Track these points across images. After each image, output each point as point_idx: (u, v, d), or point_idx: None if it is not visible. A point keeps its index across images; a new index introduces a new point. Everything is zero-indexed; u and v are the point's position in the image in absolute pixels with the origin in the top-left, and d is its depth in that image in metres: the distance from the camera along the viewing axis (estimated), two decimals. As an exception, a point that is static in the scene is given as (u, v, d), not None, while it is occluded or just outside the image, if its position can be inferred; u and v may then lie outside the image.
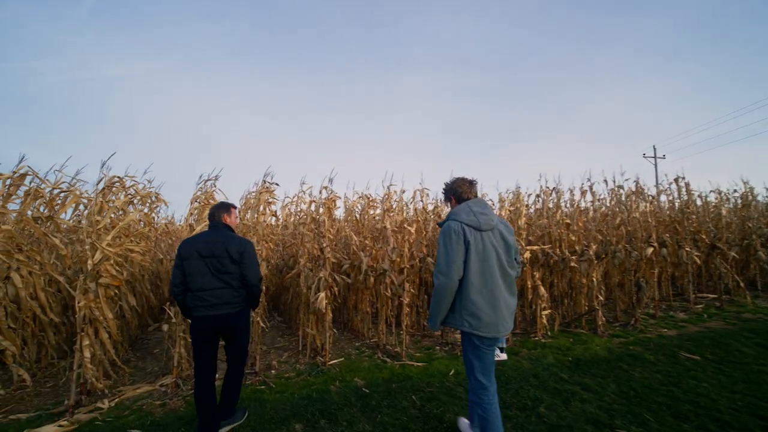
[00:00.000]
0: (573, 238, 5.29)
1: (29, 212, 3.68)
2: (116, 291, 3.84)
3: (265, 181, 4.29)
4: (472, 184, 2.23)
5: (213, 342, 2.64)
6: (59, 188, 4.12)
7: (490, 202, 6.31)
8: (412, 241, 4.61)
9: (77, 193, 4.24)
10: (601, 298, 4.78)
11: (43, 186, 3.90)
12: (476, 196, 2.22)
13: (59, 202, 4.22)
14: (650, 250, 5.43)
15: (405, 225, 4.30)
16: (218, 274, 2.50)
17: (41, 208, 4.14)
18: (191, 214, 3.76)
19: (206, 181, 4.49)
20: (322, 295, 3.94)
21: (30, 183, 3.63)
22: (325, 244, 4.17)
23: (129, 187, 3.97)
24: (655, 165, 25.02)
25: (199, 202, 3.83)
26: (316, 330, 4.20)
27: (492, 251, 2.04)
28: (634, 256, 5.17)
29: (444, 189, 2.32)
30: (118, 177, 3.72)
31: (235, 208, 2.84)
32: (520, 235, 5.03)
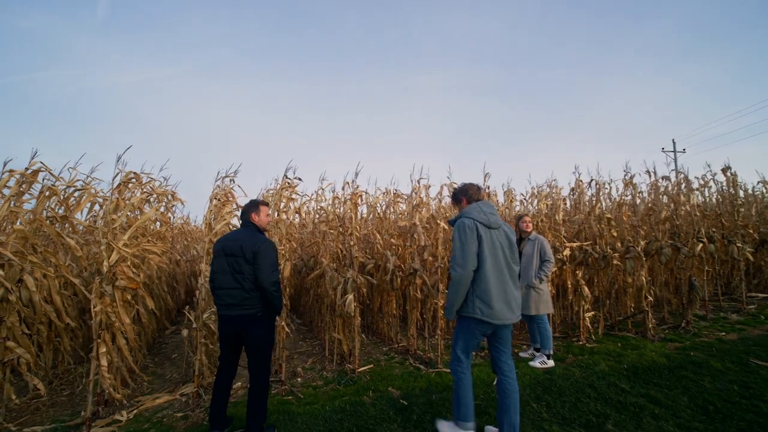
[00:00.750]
0: (615, 233, 4.89)
1: (43, 212, 3.49)
2: (133, 294, 3.62)
3: (286, 177, 4.02)
4: (480, 188, 2.49)
5: (232, 345, 2.58)
6: (74, 186, 3.94)
7: (520, 197, 5.98)
8: (441, 239, 4.29)
9: (92, 191, 4.06)
10: (650, 298, 4.37)
11: (57, 184, 3.72)
12: (483, 199, 2.44)
13: (74, 201, 4.05)
14: (699, 246, 5.00)
15: (437, 221, 3.98)
16: (235, 273, 2.45)
17: (58, 209, 3.97)
18: (210, 211, 3.52)
19: (224, 177, 4.27)
20: (351, 297, 3.66)
21: (43, 180, 3.44)
22: (352, 243, 3.89)
23: (145, 184, 3.75)
24: (675, 159, 24.13)
25: (218, 199, 3.59)
26: (343, 335, 3.92)
27: (499, 247, 2.26)
28: (683, 252, 4.74)
29: (455, 191, 2.56)
30: (134, 173, 3.51)
31: (266, 205, 2.74)
32: (558, 231, 4.67)
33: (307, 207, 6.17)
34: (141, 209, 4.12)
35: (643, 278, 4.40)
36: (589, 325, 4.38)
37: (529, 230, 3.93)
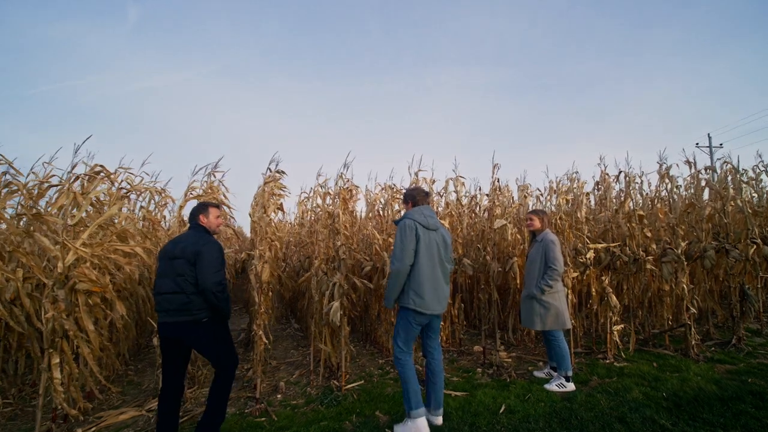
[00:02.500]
0: (648, 233, 4.22)
1: (9, 209, 3.26)
2: (102, 298, 3.33)
3: (269, 170, 3.65)
4: (427, 194, 2.75)
5: (175, 355, 2.40)
6: (48, 182, 3.71)
7: (537, 192, 5.40)
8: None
9: (73, 188, 3.82)
10: (693, 310, 3.71)
11: (27, 179, 3.50)
12: (427, 204, 2.70)
13: (54, 197, 3.83)
14: (753, 248, 4.25)
15: (440, 221, 3.48)
16: (176, 277, 2.28)
17: (51, 207, 3.75)
18: (181, 207, 3.18)
19: (209, 173, 3.94)
20: (336, 305, 3.23)
21: (4, 176, 3.21)
22: (339, 243, 3.46)
23: (112, 175, 3.43)
24: (711, 155, 22.41)
25: (190, 194, 3.25)
26: (330, 346, 3.50)
27: (435, 247, 2.52)
28: (734, 256, 4.02)
29: (406, 193, 2.78)
30: (101, 166, 3.22)
31: (216, 207, 2.58)
32: (581, 231, 4.06)
33: (305, 205, 5.80)
34: (118, 205, 3.85)
35: (684, 285, 3.74)
36: (617, 339, 3.76)
37: (533, 228, 3.38)
